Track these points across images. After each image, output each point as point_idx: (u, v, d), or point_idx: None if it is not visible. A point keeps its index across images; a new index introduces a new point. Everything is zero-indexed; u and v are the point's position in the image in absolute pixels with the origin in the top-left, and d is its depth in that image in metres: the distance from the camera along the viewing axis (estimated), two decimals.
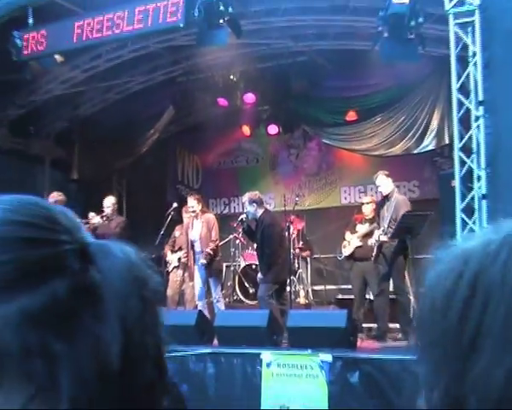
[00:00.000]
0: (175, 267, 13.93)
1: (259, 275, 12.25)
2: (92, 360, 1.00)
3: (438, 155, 15.36)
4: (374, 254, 12.08)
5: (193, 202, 13.27)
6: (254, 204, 12.21)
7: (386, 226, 11.91)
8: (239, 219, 12.68)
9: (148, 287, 1.12)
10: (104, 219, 13.69)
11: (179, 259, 13.80)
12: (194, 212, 13.18)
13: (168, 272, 14.21)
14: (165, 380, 1.15)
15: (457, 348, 0.88)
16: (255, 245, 12.62)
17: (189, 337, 10.25)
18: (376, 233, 12.08)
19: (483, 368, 0.85)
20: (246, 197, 12.42)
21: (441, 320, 0.91)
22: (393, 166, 15.20)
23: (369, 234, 12.70)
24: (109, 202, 14.00)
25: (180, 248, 13.86)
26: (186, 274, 13.71)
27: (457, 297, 0.90)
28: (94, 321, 1.02)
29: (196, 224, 13.18)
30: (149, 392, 1.09)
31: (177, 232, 14.03)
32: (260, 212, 12.26)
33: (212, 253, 13.02)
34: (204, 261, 12.96)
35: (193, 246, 13.30)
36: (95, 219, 13.62)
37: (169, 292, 13.95)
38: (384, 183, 12.26)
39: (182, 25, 11.27)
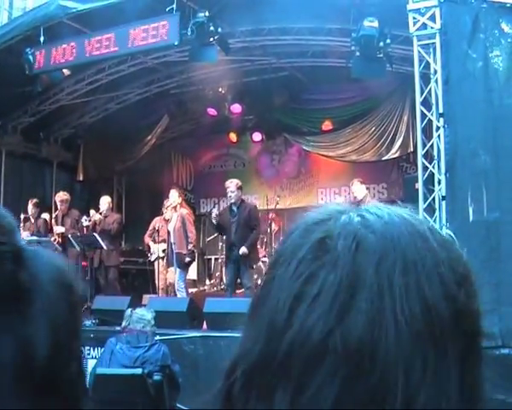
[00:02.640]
0: (159, 258, 13.85)
1: (243, 249, 11.65)
2: (17, 360, 0.97)
3: (404, 161, 15.46)
4: None
5: (174, 194, 13.22)
6: (240, 190, 12.19)
7: None
8: (213, 215, 12.21)
9: (74, 293, 1.09)
10: (102, 215, 13.71)
11: (164, 250, 13.73)
12: (173, 203, 13.12)
13: (151, 262, 14.21)
14: (84, 379, 1.11)
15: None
16: (233, 228, 12.20)
17: (181, 322, 10.35)
18: None
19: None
20: (233, 183, 12.22)
21: None
22: (364, 170, 15.35)
23: None
24: (105, 201, 14.02)
25: (164, 240, 13.79)
26: (165, 262, 13.67)
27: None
28: (22, 322, 1.00)
29: (174, 216, 13.10)
30: (72, 391, 1.06)
31: (157, 224, 13.90)
32: (241, 197, 12.35)
33: (194, 250, 12.97)
34: (189, 259, 12.94)
35: (169, 236, 13.28)
36: (95, 215, 13.64)
37: (159, 283, 13.96)
38: (358, 189, 12.53)
39: (176, 43, 11.35)
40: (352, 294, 0.75)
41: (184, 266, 12.97)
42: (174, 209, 13.02)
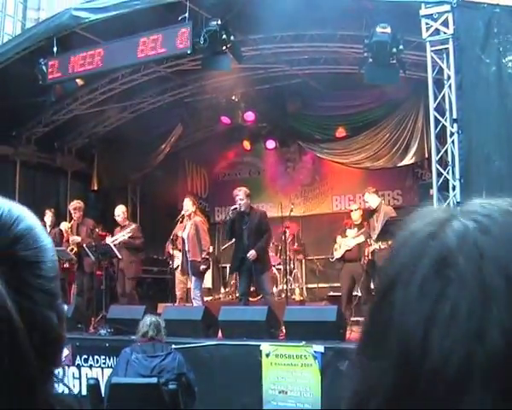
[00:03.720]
0: (179, 266, 13.88)
1: (252, 252, 11.72)
2: None
3: (418, 167, 15.43)
4: (365, 263, 12.29)
5: (188, 203, 13.13)
6: (248, 197, 12.18)
7: (376, 237, 12.09)
8: (232, 208, 12.13)
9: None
10: (123, 233, 13.68)
11: None
12: (187, 211, 13.05)
13: (173, 269, 14.21)
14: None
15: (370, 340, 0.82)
16: (245, 236, 12.24)
17: (196, 331, 10.35)
18: (370, 246, 12.26)
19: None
20: (242, 191, 12.14)
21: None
22: (379, 176, 15.34)
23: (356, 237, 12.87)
24: (120, 211, 14.00)
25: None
26: (179, 271, 13.63)
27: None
28: None
29: (187, 224, 13.07)
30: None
31: (179, 232, 13.94)
32: (250, 204, 12.30)
33: (208, 258, 12.95)
34: (204, 266, 12.92)
35: (184, 244, 13.26)
36: (120, 237, 13.57)
37: (177, 292, 13.97)
38: (371, 199, 12.51)
39: (189, 51, 11.35)
40: (486, 308, 0.71)
41: (199, 275, 12.95)
42: (188, 217, 13.00)
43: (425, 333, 0.72)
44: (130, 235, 13.38)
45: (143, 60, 12.26)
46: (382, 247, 11.88)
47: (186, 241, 12.97)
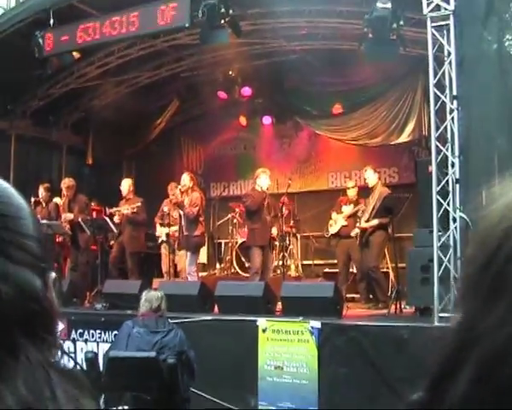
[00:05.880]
0: (164, 242, 13.89)
1: None
2: None
3: (415, 145, 15.38)
4: (357, 240, 12.35)
5: (185, 178, 13.15)
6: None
7: (368, 215, 12.13)
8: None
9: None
10: (124, 199, 13.72)
11: (167, 234, 13.72)
12: (184, 186, 13.07)
13: (158, 246, 14.25)
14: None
15: (479, 293, 0.86)
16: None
17: (192, 306, 10.36)
18: (362, 222, 12.32)
19: (491, 322, 0.81)
20: (267, 173, 12.95)
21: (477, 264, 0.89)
22: (375, 154, 15.35)
23: (352, 214, 12.89)
24: (126, 184, 14.04)
25: (169, 224, 13.79)
26: (176, 246, 13.63)
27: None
28: None
29: (185, 200, 13.07)
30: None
31: (165, 207, 13.94)
32: None
33: (189, 213, 12.92)
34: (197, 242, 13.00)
35: (181, 219, 13.28)
36: (123, 209, 13.57)
37: (163, 267, 14.00)
38: (371, 176, 12.53)
39: (187, 25, 11.28)
40: None
41: (195, 250, 12.98)
42: (186, 193, 13.00)
43: None
44: (133, 210, 13.39)
45: (140, 33, 12.17)
46: (372, 224, 11.99)
47: (183, 217, 12.99)
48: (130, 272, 13.65)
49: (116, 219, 13.53)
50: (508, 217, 0.88)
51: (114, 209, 13.68)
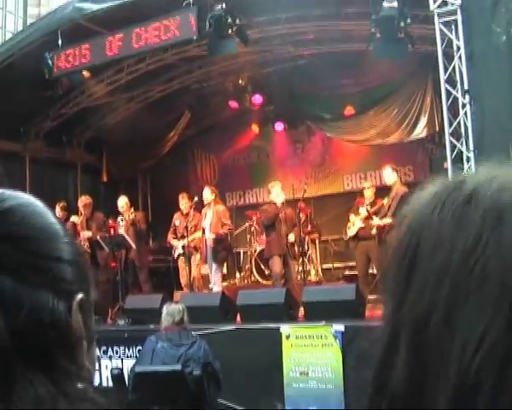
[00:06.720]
0: (180, 255, 13.88)
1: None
2: None
3: (429, 142, 15.34)
4: (377, 239, 12.27)
5: (207, 192, 13.23)
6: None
7: (384, 212, 12.08)
8: None
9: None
10: (125, 222, 13.71)
11: (183, 246, 13.71)
12: (206, 200, 13.13)
13: (175, 259, 14.23)
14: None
15: (399, 281, 0.84)
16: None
17: (214, 317, 10.34)
18: (376, 220, 12.24)
19: (409, 304, 0.81)
20: (278, 184, 13.10)
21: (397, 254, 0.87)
22: (389, 153, 15.28)
23: (370, 216, 12.84)
24: (123, 202, 14.01)
25: (182, 236, 13.75)
26: (192, 259, 13.60)
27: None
28: None
29: (208, 213, 13.10)
30: None
31: (176, 221, 13.93)
32: None
33: (222, 234, 12.99)
34: (213, 236, 12.96)
35: (204, 233, 13.29)
36: (120, 229, 13.59)
37: (182, 280, 13.98)
38: (389, 175, 12.45)
39: (195, 37, 11.32)
40: None
41: (220, 261, 13.10)
42: (208, 206, 13.08)
43: None
44: (133, 217, 13.46)
45: (150, 48, 12.21)
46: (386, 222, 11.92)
47: (207, 229, 13.04)
48: (143, 286, 13.74)
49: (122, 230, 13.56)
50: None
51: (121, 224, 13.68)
